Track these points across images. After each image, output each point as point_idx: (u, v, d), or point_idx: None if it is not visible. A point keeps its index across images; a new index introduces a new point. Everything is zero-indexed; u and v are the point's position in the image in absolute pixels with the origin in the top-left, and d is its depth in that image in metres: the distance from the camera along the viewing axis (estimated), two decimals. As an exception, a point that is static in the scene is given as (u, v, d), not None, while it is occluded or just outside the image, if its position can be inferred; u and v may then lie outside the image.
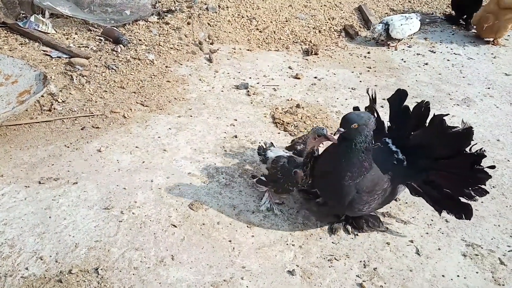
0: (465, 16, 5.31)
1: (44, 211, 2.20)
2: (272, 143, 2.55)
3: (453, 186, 2.13)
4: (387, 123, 2.45)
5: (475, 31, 5.12)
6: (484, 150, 2.03)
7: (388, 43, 4.66)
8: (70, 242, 2.04)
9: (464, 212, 2.12)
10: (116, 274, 1.90)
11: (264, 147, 2.52)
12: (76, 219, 2.17)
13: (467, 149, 2.05)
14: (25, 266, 1.91)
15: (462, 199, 2.12)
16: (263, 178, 2.41)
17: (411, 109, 2.28)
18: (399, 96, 2.36)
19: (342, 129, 1.99)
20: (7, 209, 2.19)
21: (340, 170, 2.07)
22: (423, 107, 2.21)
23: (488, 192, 2.08)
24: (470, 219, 2.13)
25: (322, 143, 2.20)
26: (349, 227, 2.33)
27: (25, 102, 2.71)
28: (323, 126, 2.38)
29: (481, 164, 2.03)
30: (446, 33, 5.19)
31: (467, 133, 2.03)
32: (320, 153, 2.28)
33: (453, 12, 5.44)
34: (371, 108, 2.51)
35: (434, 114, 2.15)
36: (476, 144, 2.06)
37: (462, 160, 2.07)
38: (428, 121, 2.21)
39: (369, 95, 2.52)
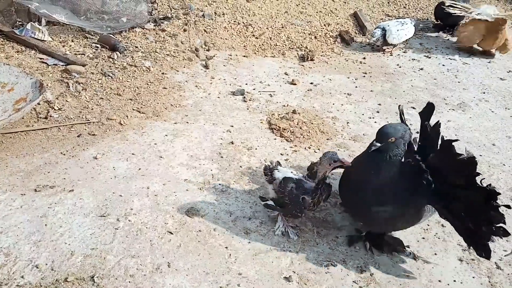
0: (448, 25, 5.34)
1: (40, 219, 2.20)
2: (279, 162, 2.47)
3: (471, 220, 1.95)
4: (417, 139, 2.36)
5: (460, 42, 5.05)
6: (494, 187, 1.88)
7: (384, 48, 4.69)
8: (66, 250, 2.03)
9: (483, 251, 1.94)
10: (112, 282, 1.89)
11: (271, 166, 2.40)
12: (72, 227, 2.16)
13: (479, 182, 1.91)
14: (20, 274, 1.90)
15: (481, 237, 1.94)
16: (271, 203, 2.31)
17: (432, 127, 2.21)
18: (429, 109, 2.30)
19: (378, 144, 1.95)
20: (3, 217, 2.19)
21: (367, 181, 2.02)
22: (435, 128, 2.17)
23: (510, 234, 1.85)
24: (489, 259, 1.96)
25: (333, 168, 2.13)
26: (368, 244, 2.26)
27: (21, 110, 2.72)
28: (334, 151, 2.27)
29: (497, 202, 1.86)
30: (441, 38, 5.23)
31: (470, 162, 1.91)
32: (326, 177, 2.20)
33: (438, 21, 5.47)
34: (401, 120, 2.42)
35: (443, 137, 2.07)
36: (484, 178, 1.94)
37: (476, 193, 1.91)
38: (439, 144, 2.11)
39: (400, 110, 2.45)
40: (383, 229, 2.24)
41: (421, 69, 4.42)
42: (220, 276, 2.01)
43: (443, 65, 4.57)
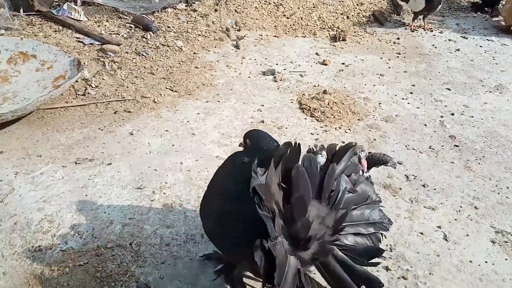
0: (487, 5, 5.15)
1: (81, 189, 2.30)
2: (323, 145, 2.45)
3: None
4: None
5: (503, 22, 4.88)
6: None
7: (412, 25, 4.62)
8: (106, 218, 2.13)
9: None
10: (149, 249, 1.98)
11: (315, 149, 2.39)
12: (111, 198, 2.26)
13: None
14: (64, 240, 2.01)
15: None
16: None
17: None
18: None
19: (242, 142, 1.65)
20: (45, 187, 2.31)
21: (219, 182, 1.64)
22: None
23: None
24: None
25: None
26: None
27: (60, 87, 2.82)
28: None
29: None
30: (479, 18, 5.04)
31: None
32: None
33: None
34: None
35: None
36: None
37: None
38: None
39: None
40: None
41: (458, 50, 4.30)
42: (252, 248, 2.06)
43: (481, 46, 4.42)
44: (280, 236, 1.38)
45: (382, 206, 1.65)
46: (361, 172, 2.00)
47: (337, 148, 1.66)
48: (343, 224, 1.46)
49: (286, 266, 1.36)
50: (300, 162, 1.50)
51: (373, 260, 1.49)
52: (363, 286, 1.45)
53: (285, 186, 1.46)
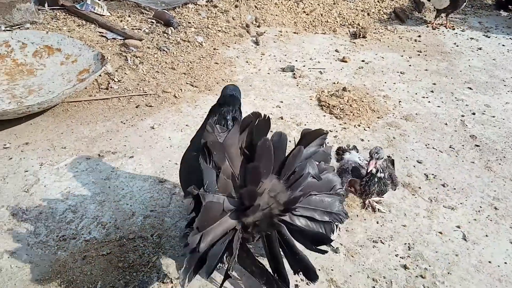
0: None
1: (104, 181, 2.36)
2: (355, 146, 2.44)
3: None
4: None
5: None
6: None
7: (434, 22, 4.56)
8: (128, 210, 2.18)
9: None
10: (169, 241, 2.02)
11: (344, 147, 2.38)
12: (133, 190, 2.31)
13: None
14: (87, 230, 2.07)
15: None
16: None
17: None
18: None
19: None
20: (70, 178, 2.37)
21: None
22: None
23: None
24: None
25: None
26: None
27: (85, 80, 2.88)
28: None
29: None
30: (501, 17, 4.95)
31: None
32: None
33: None
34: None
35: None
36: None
37: None
38: None
39: None
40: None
41: (480, 48, 4.23)
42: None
43: (503, 45, 4.35)
44: (221, 194, 1.42)
45: (343, 200, 1.71)
46: (374, 170, 2.07)
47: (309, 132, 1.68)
48: (296, 205, 1.50)
49: (218, 218, 1.39)
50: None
51: (321, 248, 1.52)
52: (301, 272, 1.48)
53: (249, 153, 1.51)
